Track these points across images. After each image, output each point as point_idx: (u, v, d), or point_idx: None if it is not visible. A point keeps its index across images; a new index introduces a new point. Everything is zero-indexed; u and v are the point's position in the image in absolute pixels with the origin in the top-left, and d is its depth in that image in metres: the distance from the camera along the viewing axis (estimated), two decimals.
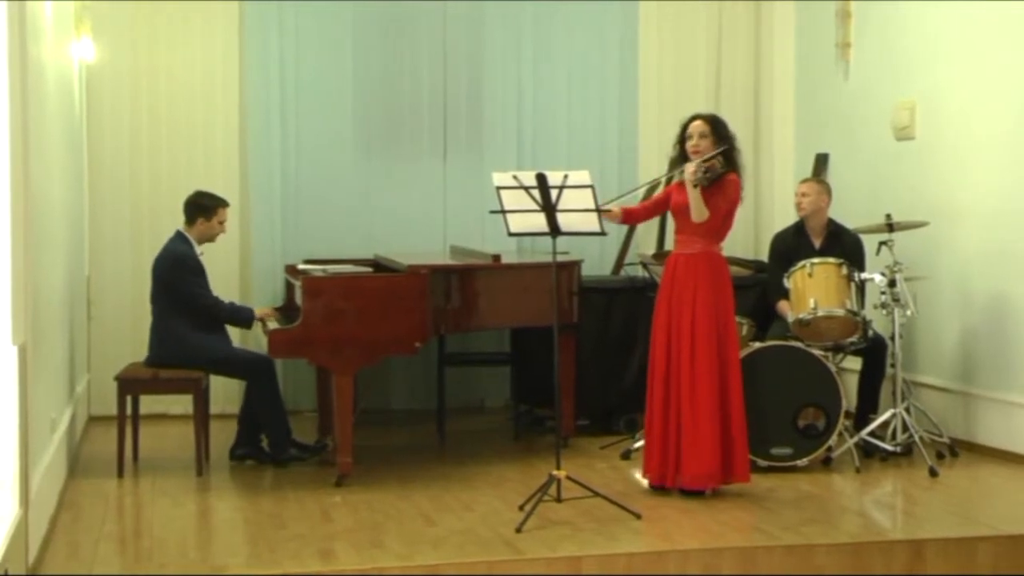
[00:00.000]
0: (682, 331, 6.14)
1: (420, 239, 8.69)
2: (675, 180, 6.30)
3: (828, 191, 7.50)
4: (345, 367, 6.41)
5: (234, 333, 7.34)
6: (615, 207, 6.28)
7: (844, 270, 6.94)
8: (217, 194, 7.18)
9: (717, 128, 6.23)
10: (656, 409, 6.21)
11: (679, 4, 9.18)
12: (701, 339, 6.10)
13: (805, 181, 7.60)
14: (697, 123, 6.25)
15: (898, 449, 6.94)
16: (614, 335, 7.99)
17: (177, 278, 6.88)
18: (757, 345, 6.84)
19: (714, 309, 6.14)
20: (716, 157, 6.14)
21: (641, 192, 7.50)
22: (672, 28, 9.18)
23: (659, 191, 6.78)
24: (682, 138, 6.27)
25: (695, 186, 6.04)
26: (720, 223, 6.20)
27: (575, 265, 7.51)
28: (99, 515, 5.94)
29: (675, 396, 6.15)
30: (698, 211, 6.09)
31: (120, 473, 6.69)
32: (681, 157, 6.27)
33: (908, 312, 6.91)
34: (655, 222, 8.71)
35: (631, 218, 6.60)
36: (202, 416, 6.87)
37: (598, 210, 5.83)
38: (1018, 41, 6.95)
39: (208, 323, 6.95)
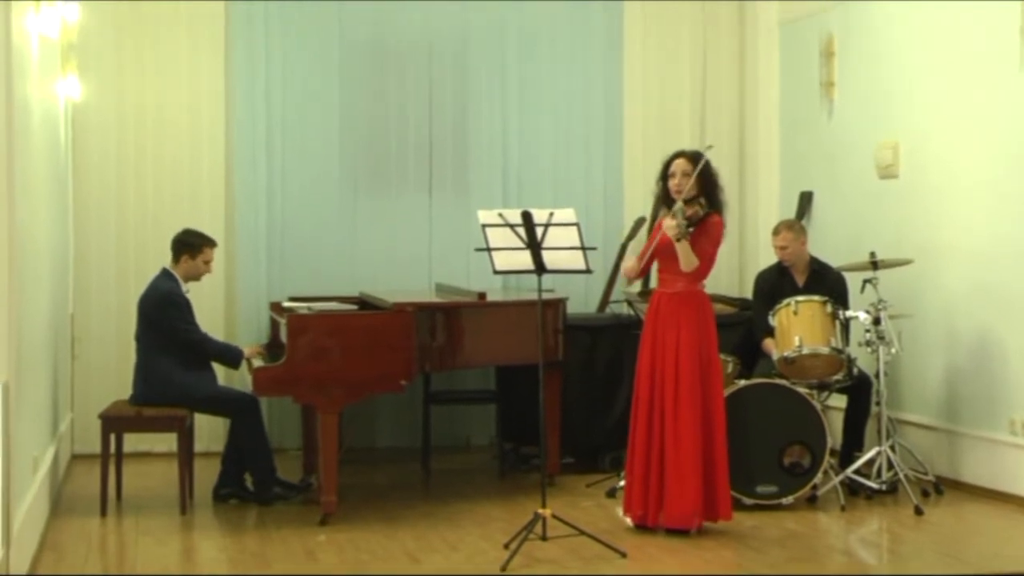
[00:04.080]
0: (666, 369, 6.14)
1: (406, 277, 8.68)
2: (659, 219, 6.29)
3: (803, 231, 7.52)
4: (330, 405, 6.39)
5: (219, 371, 7.31)
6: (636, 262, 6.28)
7: (829, 308, 6.96)
8: (205, 233, 7.18)
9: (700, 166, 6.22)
10: (639, 447, 6.20)
11: (663, 41, 9.20)
12: (685, 377, 6.10)
13: (777, 232, 7.47)
14: (680, 161, 6.25)
15: (883, 487, 6.94)
16: (599, 373, 7.98)
17: (164, 315, 6.86)
18: (742, 383, 6.84)
19: (698, 347, 6.14)
20: (697, 201, 6.14)
21: (625, 233, 7.49)
22: (656, 66, 9.20)
23: (643, 229, 6.77)
24: (664, 175, 6.28)
25: (678, 240, 6.06)
26: (704, 264, 6.21)
27: (560, 303, 7.50)
28: (82, 554, 5.90)
29: (658, 434, 6.14)
30: (687, 262, 6.11)
31: (103, 512, 6.65)
32: (664, 194, 6.28)
33: (893, 350, 6.92)
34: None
35: (643, 274, 6.60)
36: (186, 454, 6.85)
37: (583, 248, 5.84)
38: (999, 81, 7.00)
39: (194, 361, 6.92)
